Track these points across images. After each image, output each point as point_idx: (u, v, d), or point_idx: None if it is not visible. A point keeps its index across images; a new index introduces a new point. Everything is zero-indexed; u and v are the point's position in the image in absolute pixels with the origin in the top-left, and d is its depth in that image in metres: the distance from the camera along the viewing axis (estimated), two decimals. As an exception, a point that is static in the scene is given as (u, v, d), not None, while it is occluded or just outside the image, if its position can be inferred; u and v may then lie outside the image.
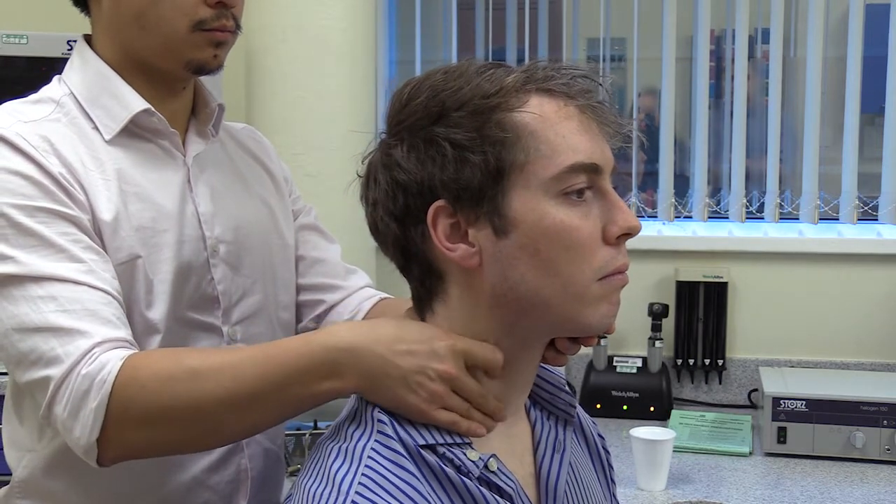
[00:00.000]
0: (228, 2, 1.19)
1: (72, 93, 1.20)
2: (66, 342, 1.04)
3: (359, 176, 1.01)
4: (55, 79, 1.23)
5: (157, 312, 1.16)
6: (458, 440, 0.95)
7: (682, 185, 2.78)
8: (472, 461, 0.94)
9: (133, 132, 1.20)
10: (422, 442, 0.94)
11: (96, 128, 1.18)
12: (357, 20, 2.36)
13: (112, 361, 1.03)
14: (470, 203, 0.93)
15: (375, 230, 1.00)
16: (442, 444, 0.94)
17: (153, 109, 1.20)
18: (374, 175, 0.97)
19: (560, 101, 0.94)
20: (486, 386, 0.98)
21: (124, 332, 1.08)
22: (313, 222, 1.42)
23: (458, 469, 0.93)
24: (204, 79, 1.28)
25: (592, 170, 0.94)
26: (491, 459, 0.95)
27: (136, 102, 1.19)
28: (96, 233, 1.12)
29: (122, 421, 1.02)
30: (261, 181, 1.36)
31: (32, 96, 1.21)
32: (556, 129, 0.93)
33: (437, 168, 0.93)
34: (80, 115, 1.18)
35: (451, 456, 0.94)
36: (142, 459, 1.11)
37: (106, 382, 1.01)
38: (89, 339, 1.04)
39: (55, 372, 1.03)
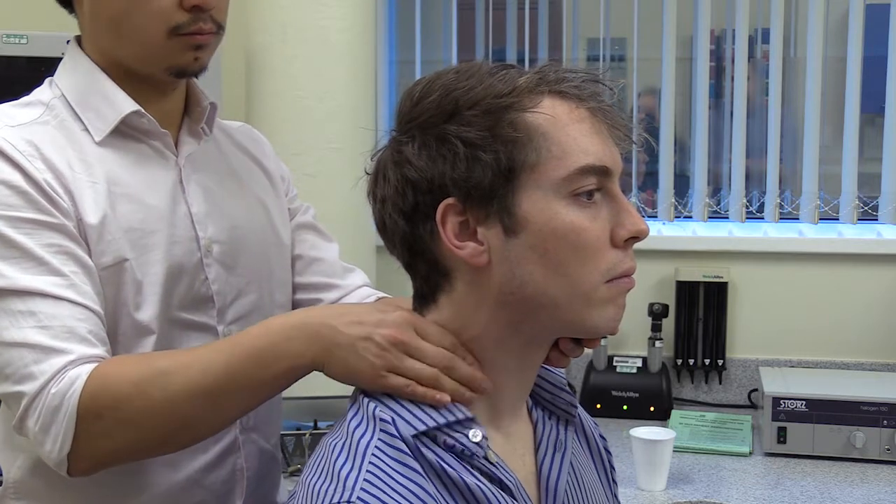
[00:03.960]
0: (205, 5, 1.16)
1: (63, 95, 1.20)
2: (41, 359, 1.05)
3: (367, 173, 1.01)
4: (46, 81, 1.23)
5: (148, 314, 1.16)
6: (460, 416, 0.94)
7: (682, 185, 2.78)
8: (475, 443, 0.94)
9: (124, 132, 1.20)
10: (421, 427, 0.93)
11: (86, 129, 1.18)
12: (357, 20, 2.36)
13: (81, 377, 1.05)
14: (480, 201, 0.93)
15: (383, 227, 1.00)
16: (439, 428, 0.94)
17: (143, 111, 1.19)
18: (383, 172, 0.98)
19: (572, 104, 0.95)
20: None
21: (100, 350, 1.09)
22: (311, 221, 1.42)
23: (459, 455, 0.94)
24: (203, 78, 1.27)
25: (602, 172, 0.94)
26: (490, 452, 0.95)
27: (125, 104, 1.19)
28: (82, 237, 1.12)
29: (94, 430, 1.05)
30: (256, 179, 1.35)
31: (23, 99, 1.21)
32: (567, 131, 0.94)
33: (447, 166, 0.93)
34: (69, 118, 1.18)
35: (453, 441, 0.94)
36: (132, 462, 1.13)
37: (73, 396, 1.04)
38: (63, 357, 1.06)
39: (28, 388, 1.05)
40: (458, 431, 0.94)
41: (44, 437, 1.05)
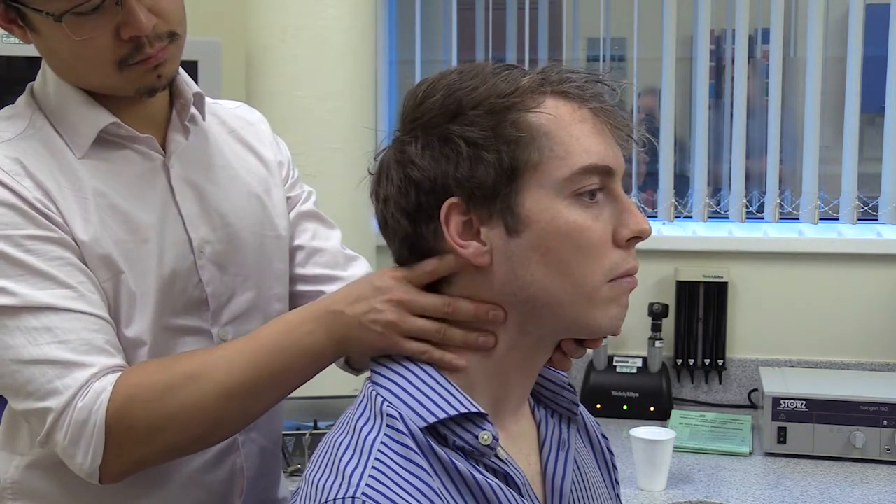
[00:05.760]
0: (141, 31, 1.10)
1: (41, 109, 1.18)
2: (63, 374, 1.06)
3: (370, 173, 1.02)
4: (28, 88, 1.21)
5: (143, 325, 1.16)
6: (472, 409, 0.94)
7: (682, 185, 2.78)
8: (486, 445, 0.94)
9: (106, 140, 1.17)
10: (430, 419, 0.92)
11: (67, 144, 1.16)
12: (357, 21, 2.36)
13: (106, 389, 1.06)
14: (483, 201, 0.93)
15: (385, 226, 1.00)
16: (450, 419, 0.93)
17: (119, 122, 1.17)
18: (386, 172, 0.98)
19: (574, 104, 0.96)
20: (489, 385, 0.98)
21: (119, 359, 1.11)
22: (312, 209, 1.39)
23: (469, 455, 0.94)
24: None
25: (605, 172, 0.95)
26: (500, 450, 0.95)
27: (100, 117, 1.16)
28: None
29: (126, 440, 1.06)
30: (251, 169, 1.32)
31: (6, 110, 1.19)
32: (570, 131, 0.94)
33: (451, 165, 0.93)
34: (51, 132, 1.16)
35: (462, 444, 0.94)
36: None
37: (100, 409, 1.05)
38: (86, 370, 1.07)
39: (54, 404, 1.06)
40: (468, 431, 0.94)
41: (74, 450, 1.06)
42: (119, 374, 1.08)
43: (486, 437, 0.94)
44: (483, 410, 0.95)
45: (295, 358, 1.07)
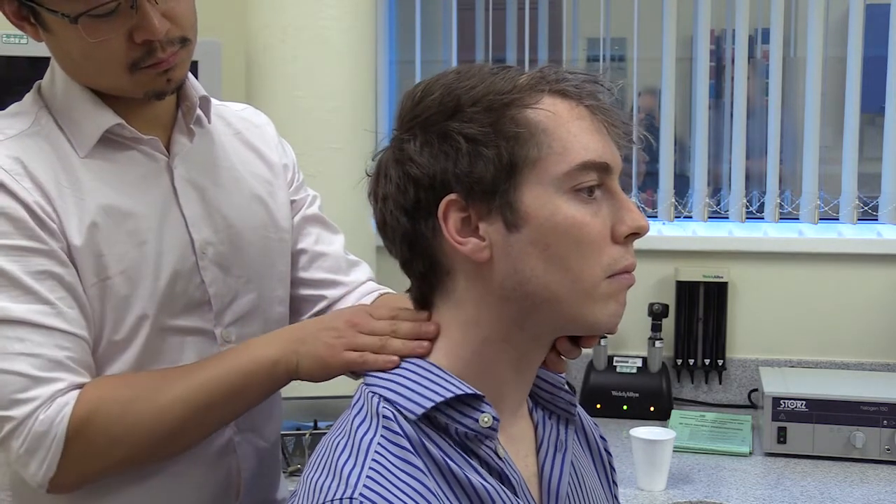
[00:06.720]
0: (154, 36, 1.11)
1: (46, 106, 1.18)
2: (29, 388, 1.07)
3: (367, 174, 1.02)
4: (35, 86, 1.21)
5: (135, 328, 1.16)
6: (467, 390, 0.94)
7: (682, 185, 2.78)
8: (487, 426, 0.94)
9: (111, 140, 1.18)
10: (427, 404, 0.93)
11: (71, 143, 1.16)
12: (357, 20, 2.36)
13: (69, 403, 1.08)
14: (482, 197, 0.94)
15: (383, 225, 1.00)
16: (447, 404, 0.94)
17: (124, 123, 1.17)
18: (384, 171, 0.99)
19: (572, 102, 0.96)
20: (493, 377, 0.99)
21: (86, 377, 1.12)
22: (316, 213, 1.39)
23: (472, 440, 0.94)
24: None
25: (603, 168, 0.95)
26: (500, 447, 0.96)
27: (105, 118, 1.17)
28: (70, 257, 1.12)
29: (84, 454, 1.08)
30: (255, 171, 1.32)
31: (12, 107, 1.20)
32: (568, 128, 0.95)
33: (450, 162, 0.94)
34: (55, 129, 1.16)
35: (464, 428, 0.94)
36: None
37: (62, 423, 1.07)
38: (52, 385, 1.08)
39: (16, 413, 1.07)
40: (466, 416, 0.94)
41: (29, 459, 1.08)
42: (81, 390, 1.09)
43: (486, 419, 0.94)
44: (479, 392, 0.95)
45: (251, 371, 1.12)
